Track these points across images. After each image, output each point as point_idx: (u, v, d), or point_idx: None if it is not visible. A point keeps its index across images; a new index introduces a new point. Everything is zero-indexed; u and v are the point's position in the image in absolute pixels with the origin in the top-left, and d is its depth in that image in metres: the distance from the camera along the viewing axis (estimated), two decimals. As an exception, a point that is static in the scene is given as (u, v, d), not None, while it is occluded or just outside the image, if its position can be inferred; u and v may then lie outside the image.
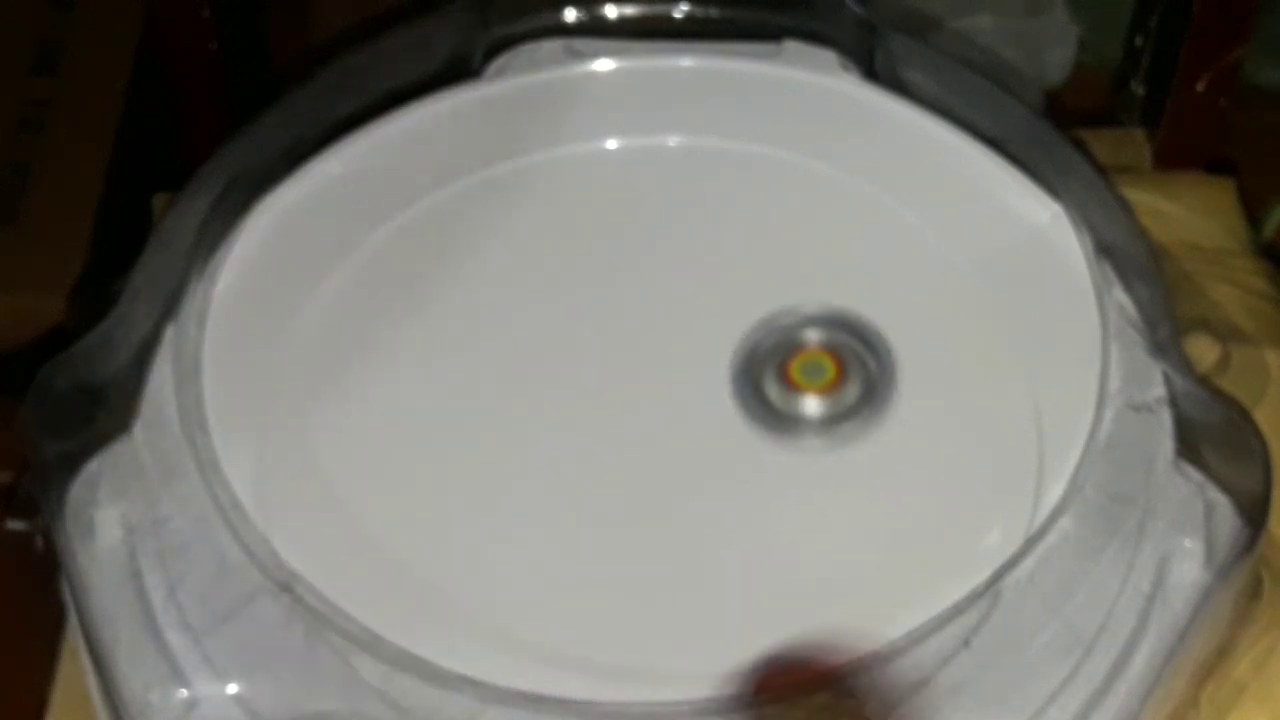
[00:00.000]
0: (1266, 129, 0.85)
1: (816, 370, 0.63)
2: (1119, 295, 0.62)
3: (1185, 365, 0.60)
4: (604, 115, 0.69)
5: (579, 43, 0.70)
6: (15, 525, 0.57)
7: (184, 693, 0.54)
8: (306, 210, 0.66)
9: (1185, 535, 0.56)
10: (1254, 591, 0.58)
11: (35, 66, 0.86)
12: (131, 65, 0.86)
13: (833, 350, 0.63)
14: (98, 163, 0.81)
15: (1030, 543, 0.56)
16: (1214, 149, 0.77)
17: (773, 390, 0.63)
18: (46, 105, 0.84)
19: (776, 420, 0.62)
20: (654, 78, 0.69)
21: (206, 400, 0.60)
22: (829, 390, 0.62)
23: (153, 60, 0.84)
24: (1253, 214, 0.73)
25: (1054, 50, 0.86)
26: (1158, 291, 0.61)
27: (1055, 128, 0.67)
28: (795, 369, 0.63)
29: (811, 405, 0.62)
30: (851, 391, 0.62)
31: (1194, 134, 0.77)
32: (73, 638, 0.58)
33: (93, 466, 0.58)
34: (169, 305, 0.62)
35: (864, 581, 0.57)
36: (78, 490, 0.57)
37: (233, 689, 0.54)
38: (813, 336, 0.64)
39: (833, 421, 0.62)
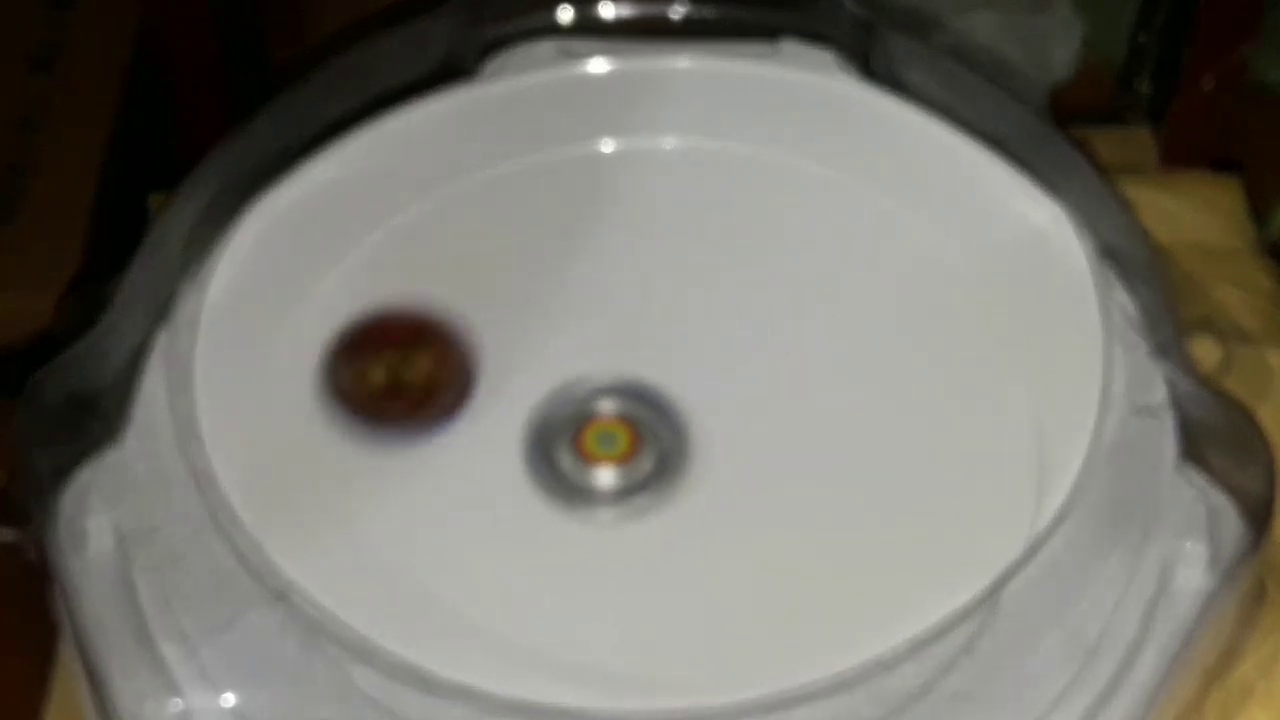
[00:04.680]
0: (1273, 127, 0.85)
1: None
2: (1121, 297, 0.62)
3: (1188, 367, 0.60)
4: (599, 116, 0.69)
5: (573, 43, 0.70)
6: (6, 535, 0.57)
7: (179, 704, 0.53)
8: (300, 213, 0.65)
9: (1189, 539, 0.56)
10: (1258, 595, 0.59)
11: (32, 65, 0.86)
12: (129, 64, 0.86)
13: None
14: (94, 162, 0.82)
15: (1033, 548, 0.56)
16: (1220, 147, 0.77)
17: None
18: (43, 104, 0.84)
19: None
20: (649, 78, 0.69)
21: (199, 407, 0.60)
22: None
23: (150, 59, 0.84)
24: (1259, 212, 0.73)
25: (1058, 48, 0.86)
26: (1160, 293, 0.61)
27: (1056, 127, 0.66)
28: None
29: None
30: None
31: (1200, 132, 0.77)
32: (66, 649, 0.58)
33: (84, 475, 0.58)
34: (161, 311, 0.62)
35: (866, 587, 0.57)
36: (69, 499, 0.57)
37: (228, 700, 0.54)
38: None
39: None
